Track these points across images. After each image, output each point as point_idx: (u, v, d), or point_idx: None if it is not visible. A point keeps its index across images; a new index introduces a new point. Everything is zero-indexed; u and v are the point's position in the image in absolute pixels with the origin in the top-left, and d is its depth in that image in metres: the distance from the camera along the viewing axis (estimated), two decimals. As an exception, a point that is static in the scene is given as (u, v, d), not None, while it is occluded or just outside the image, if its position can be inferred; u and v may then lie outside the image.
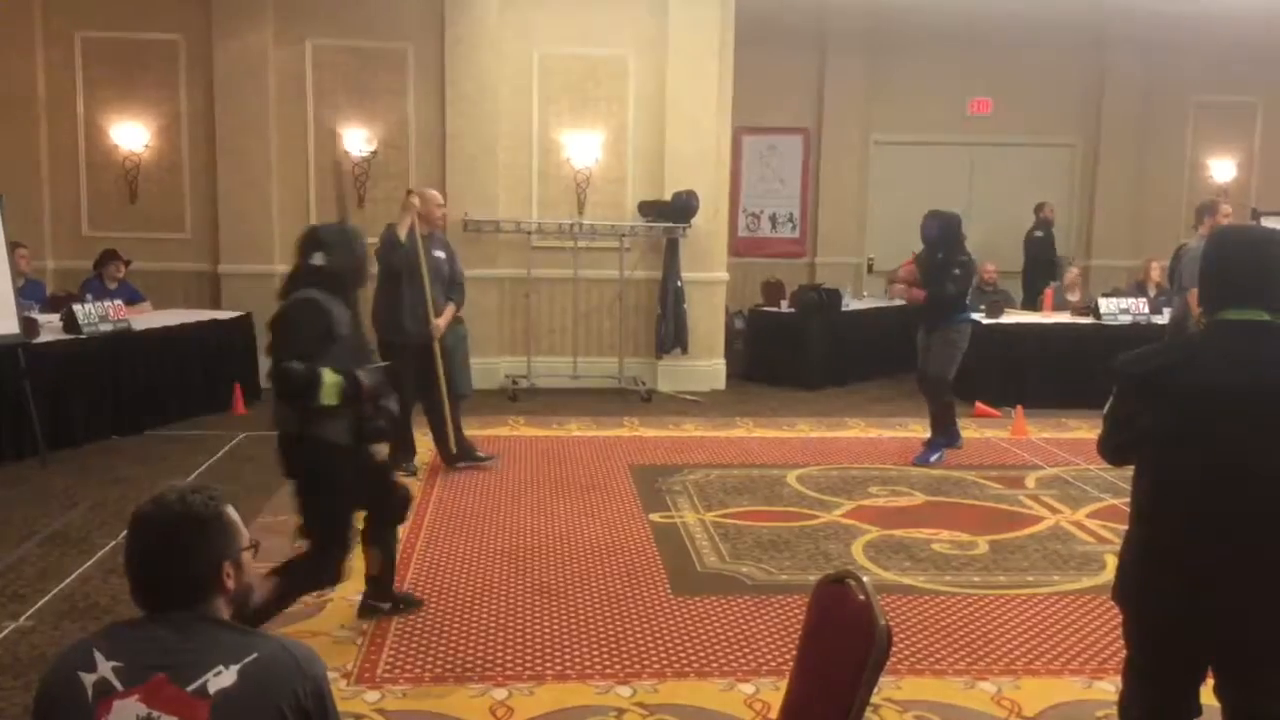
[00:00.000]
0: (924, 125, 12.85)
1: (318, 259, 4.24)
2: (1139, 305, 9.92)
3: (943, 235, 7.52)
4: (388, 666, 4.17)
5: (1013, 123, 12.89)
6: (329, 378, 4.02)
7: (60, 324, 7.84)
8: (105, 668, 1.90)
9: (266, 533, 5.67)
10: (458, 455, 7.15)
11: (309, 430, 4.10)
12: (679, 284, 10.18)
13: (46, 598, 4.84)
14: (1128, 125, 12.94)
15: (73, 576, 5.11)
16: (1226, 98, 13.02)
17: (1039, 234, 12.31)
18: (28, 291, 8.58)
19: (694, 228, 10.06)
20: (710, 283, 10.48)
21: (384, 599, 4.71)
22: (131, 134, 10.05)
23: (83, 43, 10.00)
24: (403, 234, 6.76)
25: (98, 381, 7.86)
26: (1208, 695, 2.83)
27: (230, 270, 10.08)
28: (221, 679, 1.88)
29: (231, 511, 2.05)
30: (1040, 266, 12.11)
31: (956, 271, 7.41)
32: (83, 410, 7.70)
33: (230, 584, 2.02)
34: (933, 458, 7.56)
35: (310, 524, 4.20)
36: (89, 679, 1.89)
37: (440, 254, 7.07)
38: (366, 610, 4.67)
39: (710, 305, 10.49)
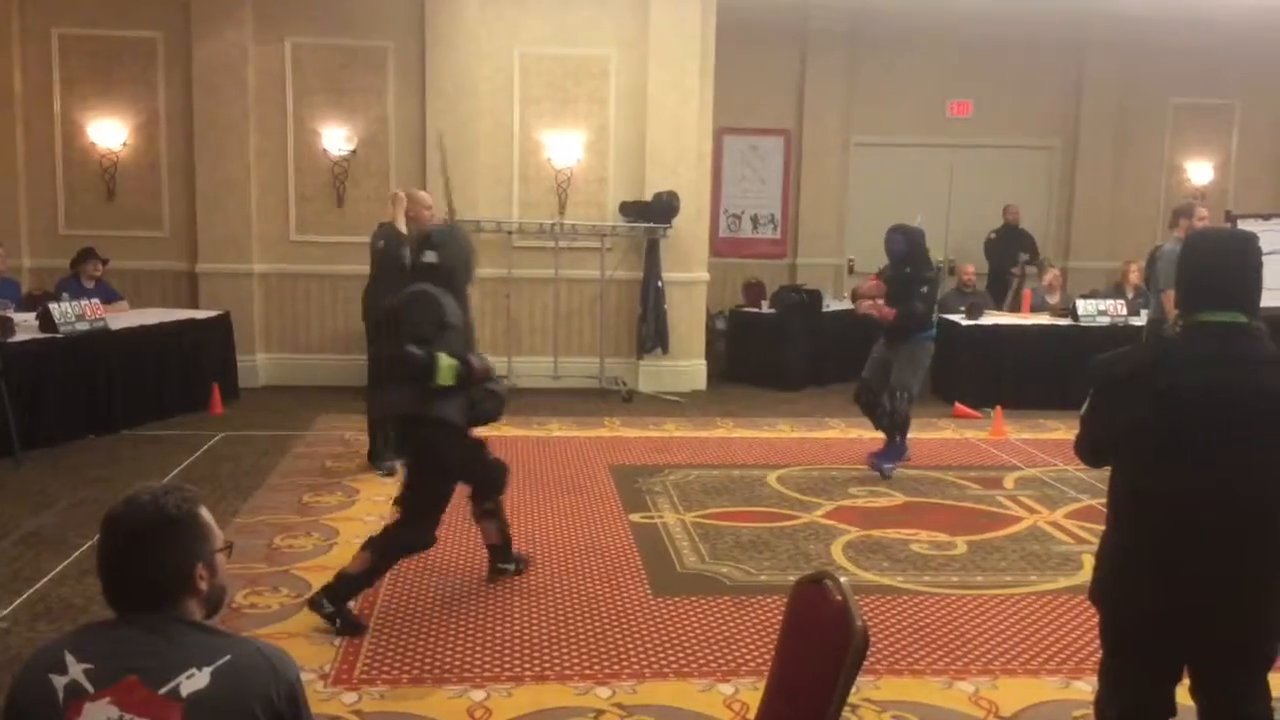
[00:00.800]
0: (904, 127, 12.89)
1: (430, 257, 4.69)
2: (1117, 307, 9.97)
3: (910, 251, 7.36)
4: (365, 668, 4.15)
5: (992, 125, 12.94)
6: (445, 361, 4.44)
7: (36, 323, 7.76)
8: (76, 670, 1.88)
9: (243, 534, 5.66)
10: (383, 455, 7.14)
11: (426, 410, 4.53)
12: (660, 284, 10.18)
13: (21, 598, 4.80)
14: (1106, 128, 13.02)
15: (48, 577, 5.07)
16: (1204, 101, 13.11)
17: (992, 235, 12.39)
18: (3, 290, 8.52)
19: (675, 228, 10.06)
20: (691, 283, 10.48)
21: (508, 561, 5.16)
22: (109, 132, 9.97)
23: (60, 40, 9.92)
24: (403, 229, 6.96)
25: (74, 381, 7.79)
26: (1184, 695, 2.85)
27: (208, 269, 10.03)
28: (194, 681, 1.86)
29: (204, 512, 2.04)
30: (992, 268, 12.18)
31: (924, 289, 7.26)
32: (59, 410, 7.63)
33: (203, 585, 2.00)
34: (888, 466, 7.28)
35: (412, 494, 4.67)
36: (60, 681, 1.87)
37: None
38: (495, 574, 5.12)
39: (691, 306, 10.49)
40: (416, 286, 4.60)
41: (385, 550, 4.62)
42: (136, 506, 1.98)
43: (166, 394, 8.60)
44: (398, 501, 4.75)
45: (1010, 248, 12.03)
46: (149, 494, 1.99)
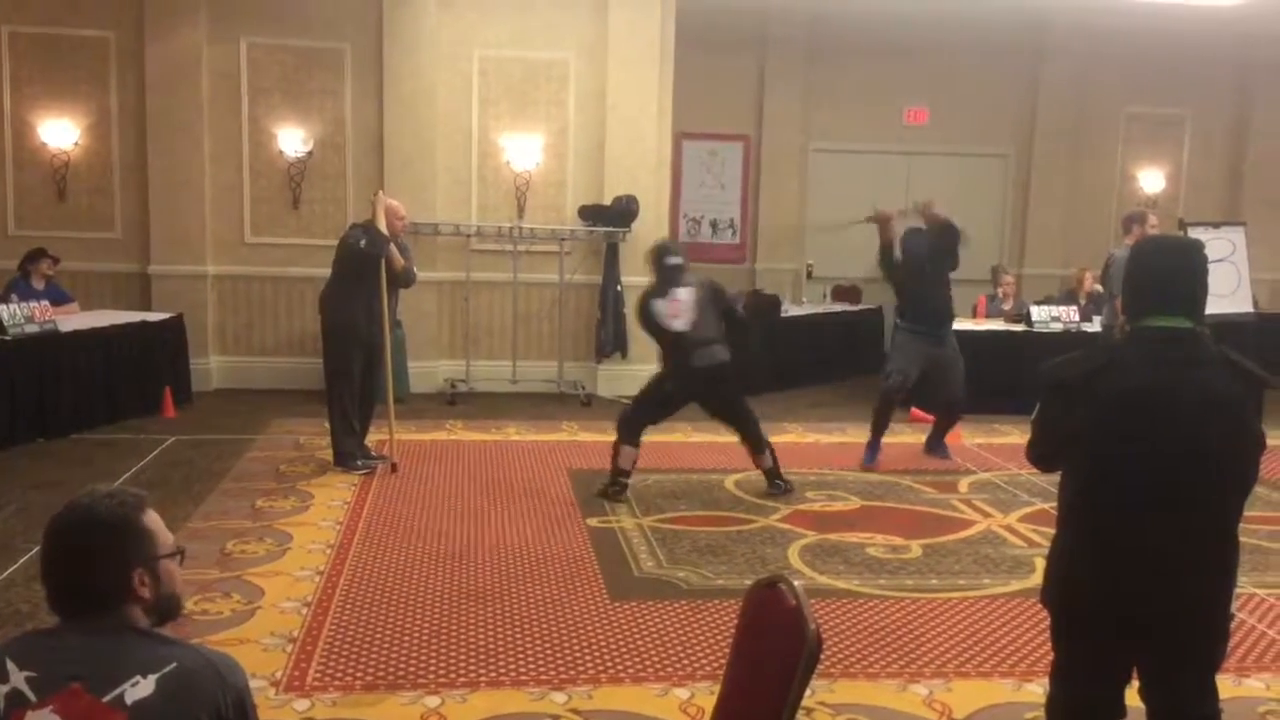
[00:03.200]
0: (861, 134, 12.98)
1: (673, 260, 6.66)
2: (1070, 313, 10.09)
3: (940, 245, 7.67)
4: (318, 674, 4.11)
5: (948, 132, 13.06)
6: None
7: (-16, 325, 7.64)
8: (18, 678, 1.85)
9: (194, 539, 5.59)
10: (356, 455, 7.22)
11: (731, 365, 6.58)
12: (619, 288, 10.17)
13: (-35, 606, 4.71)
14: (1060, 136, 13.18)
15: (-7, 584, 4.98)
16: (1156, 110, 13.31)
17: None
18: (-50, 291, 8.37)
19: (634, 232, 10.06)
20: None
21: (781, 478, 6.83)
22: (60, 131, 9.81)
23: (10, 38, 9.74)
24: (384, 229, 7.04)
25: (23, 384, 7.67)
26: (1134, 697, 2.88)
27: (161, 271, 9.89)
28: (139, 689, 1.83)
29: (147, 517, 2.00)
30: None
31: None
32: (7, 413, 7.50)
33: (145, 592, 1.96)
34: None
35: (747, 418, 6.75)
36: (1, 690, 1.84)
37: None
38: (776, 489, 6.79)
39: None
40: (707, 278, 6.83)
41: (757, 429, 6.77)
42: (76, 511, 1.95)
43: (117, 397, 8.48)
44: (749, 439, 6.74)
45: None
46: (89, 498, 1.96)
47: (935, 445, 8.10)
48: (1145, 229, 7.69)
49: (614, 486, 6.67)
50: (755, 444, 6.79)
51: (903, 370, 7.68)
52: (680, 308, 6.49)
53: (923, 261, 7.61)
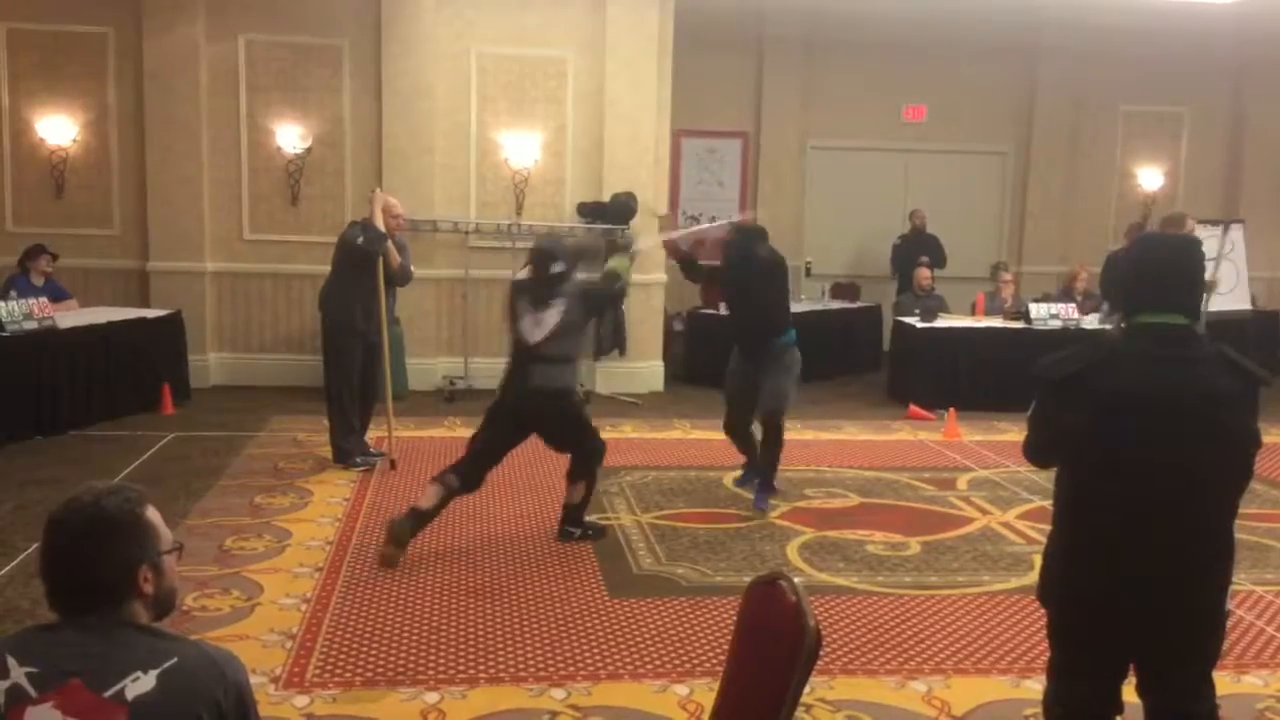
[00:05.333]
0: (860, 131, 12.99)
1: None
2: (1069, 310, 10.10)
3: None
4: (317, 670, 4.11)
5: (947, 130, 13.08)
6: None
7: (-18, 321, 7.63)
8: (18, 674, 1.85)
9: (193, 535, 5.59)
10: (355, 452, 7.23)
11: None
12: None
13: (-36, 602, 4.71)
14: (1059, 134, 13.19)
15: (-8, 581, 4.98)
16: (1154, 108, 13.33)
17: (898, 241, 12.50)
18: (-52, 288, 8.36)
19: (632, 229, 10.04)
20: (649, 285, 10.48)
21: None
22: (58, 128, 9.80)
23: (8, 34, 9.74)
24: (381, 227, 7.00)
25: (21, 380, 7.66)
26: (1130, 694, 2.89)
27: (159, 267, 9.89)
28: (139, 685, 1.84)
29: (150, 513, 2.01)
30: (899, 273, 12.28)
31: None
32: (5, 409, 7.49)
33: (148, 588, 1.97)
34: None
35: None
36: (1, 686, 1.84)
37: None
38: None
39: (649, 307, 10.49)
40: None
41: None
42: (78, 507, 1.94)
43: (116, 394, 8.47)
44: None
45: (915, 253, 12.05)
46: (91, 495, 1.96)
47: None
48: (1184, 231, 7.49)
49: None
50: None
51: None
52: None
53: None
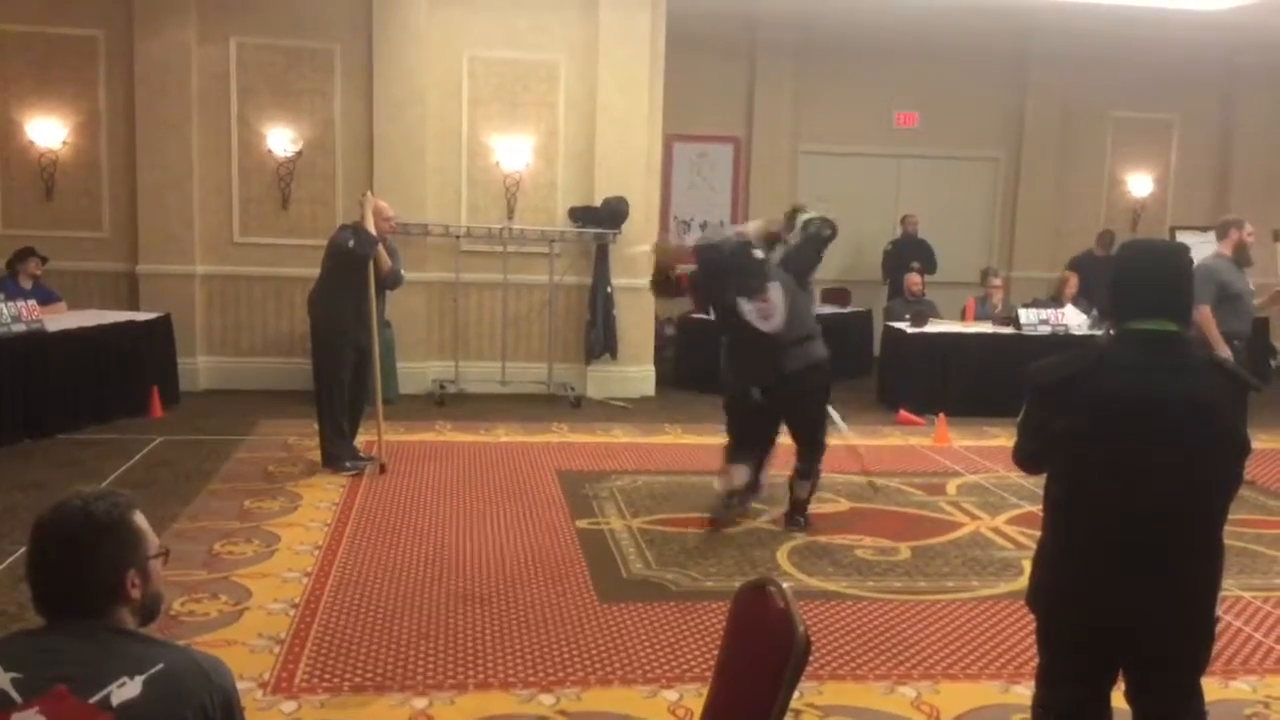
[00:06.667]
0: (851, 137, 13.01)
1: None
2: (1058, 316, 10.12)
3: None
4: (305, 676, 4.10)
5: (938, 136, 13.11)
6: None
7: (-30, 324, 7.60)
8: (4, 679, 1.84)
9: (181, 540, 5.57)
10: (345, 456, 7.21)
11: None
12: (609, 290, 10.17)
13: (-50, 607, 4.69)
14: (1049, 140, 13.24)
15: (-21, 585, 4.95)
16: (1145, 114, 13.38)
17: (889, 247, 12.52)
18: (-64, 291, 8.32)
19: (624, 234, 10.06)
20: (640, 289, 10.42)
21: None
22: (48, 130, 9.77)
23: (-1, 36, 9.73)
24: (372, 230, 7.04)
25: (9, 383, 7.63)
26: (1119, 699, 2.89)
27: (149, 270, 9.86)
28: (125, 690, 1.83)
29: (138, 518, 2.00)
30: (891, 279, 12.29)
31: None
32: (-7, 413, 7.48)
33: (135, 593, 1.96)
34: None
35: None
36: (-13, 691, 1.83)
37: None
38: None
39: (640, 312, 10.49)
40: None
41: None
42: (66, 512, 1.94)
43: (104, 397, 8.44)
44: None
45: (905, 258, 12.07)
46: (79, 499, 1.95)
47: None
48: (1243, 235, 7.44)
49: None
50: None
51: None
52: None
53: None
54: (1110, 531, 2.71)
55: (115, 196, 9.94)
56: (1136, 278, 2.81)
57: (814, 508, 6.62)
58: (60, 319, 8.52)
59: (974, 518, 6.55)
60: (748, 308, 5.91)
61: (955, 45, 12.30)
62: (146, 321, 9.14)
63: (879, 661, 4.41)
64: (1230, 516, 2.81)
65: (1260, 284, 12.69)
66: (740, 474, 6.09)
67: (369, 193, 7.45)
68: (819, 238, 6.31)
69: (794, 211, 6.57)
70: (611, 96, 10.07)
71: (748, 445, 6.16)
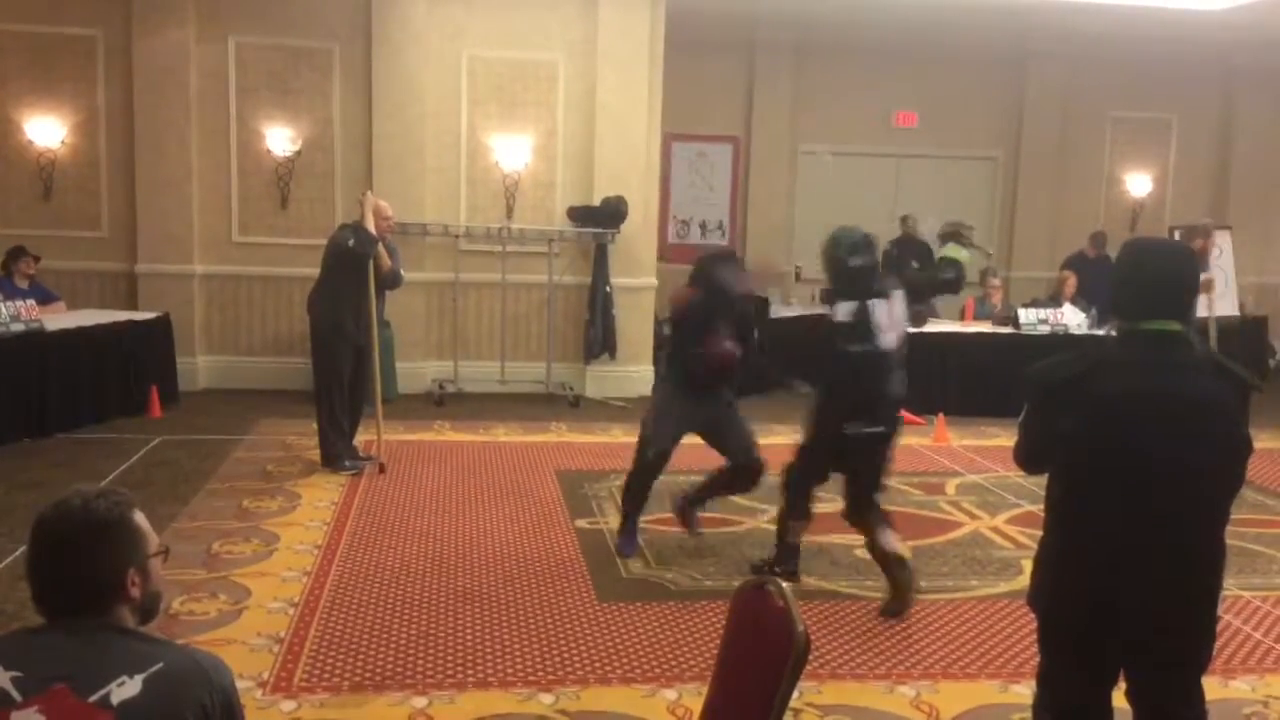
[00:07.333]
0: (850, 136, 12.99)
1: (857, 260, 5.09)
2: (1057, 316, 10.13)
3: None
4: (305, 675, 4.10)
5: (937, 136, 13.10)
6: None
7: (-31, 324, 7.60)
8: (3, 678, 1.83)
9: (180, 539, 5.56)
10: (344, 456, 7.21)
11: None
12: (608, 289, 10.17)
13: (-51, 606, 4.69)
14: (1048, 139, 13.23)
15: (-22, 584, 4.95)
16: (1143, 114, 13.37)
17: (888, 246, 12.47)
18: (-65, 290, 8.32)
19: (623, 233, 10.06)
20: (639, 289, 10.49)
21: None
22: (47, 130, 9.76)
23: (-3, 35, 9.72)
24: (372, 230, 7.03)
25: (8, 383, 7.62)
26: (1120, 699, 2.89)
27: (148, 270, 9.85)
28: (125, 689, 1.82)
29: (138, 517, 2.00)
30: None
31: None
32: (-8, 412, 7.47)
33: (135, 592, 1.96)
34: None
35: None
36: (-14, 690, 1.83)
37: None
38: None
39: (639, 311, 10.49)
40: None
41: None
42: (67, 510, 1.93)
43: (103, 396, 8.44)
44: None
45: (905, 259, 12.04)
46: (80, 498, 1.95)
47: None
48: (1207, 243, 7.42)
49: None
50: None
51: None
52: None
53: None
54: (1112, 532, 2.71)
55: (114, 196, 9.93)
56: (1139, 278, 2.80)
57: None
58: (59, 319, 8.52)
59: (973, 517, 6.55)
60: (881, 311, 5.01)
61: (954, 45, 12.30)
62: (145, 321, 9.13)
63: (878, 661, 4.40)
64: (1230, 516, 2.81)
65: (1254, 283, 12.89)
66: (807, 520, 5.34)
67: (368, 192, 7.45)
68: (940, 282, 5.70)
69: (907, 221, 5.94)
70: (610, 96, 10.07)
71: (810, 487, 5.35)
